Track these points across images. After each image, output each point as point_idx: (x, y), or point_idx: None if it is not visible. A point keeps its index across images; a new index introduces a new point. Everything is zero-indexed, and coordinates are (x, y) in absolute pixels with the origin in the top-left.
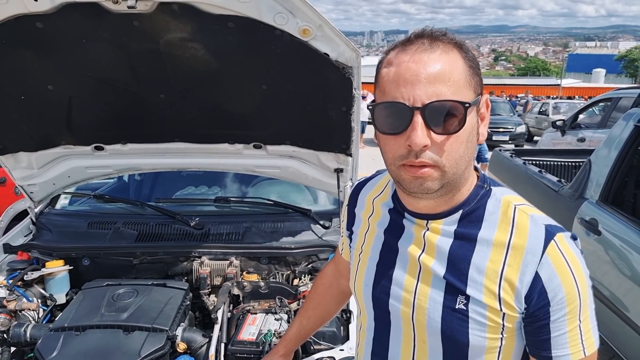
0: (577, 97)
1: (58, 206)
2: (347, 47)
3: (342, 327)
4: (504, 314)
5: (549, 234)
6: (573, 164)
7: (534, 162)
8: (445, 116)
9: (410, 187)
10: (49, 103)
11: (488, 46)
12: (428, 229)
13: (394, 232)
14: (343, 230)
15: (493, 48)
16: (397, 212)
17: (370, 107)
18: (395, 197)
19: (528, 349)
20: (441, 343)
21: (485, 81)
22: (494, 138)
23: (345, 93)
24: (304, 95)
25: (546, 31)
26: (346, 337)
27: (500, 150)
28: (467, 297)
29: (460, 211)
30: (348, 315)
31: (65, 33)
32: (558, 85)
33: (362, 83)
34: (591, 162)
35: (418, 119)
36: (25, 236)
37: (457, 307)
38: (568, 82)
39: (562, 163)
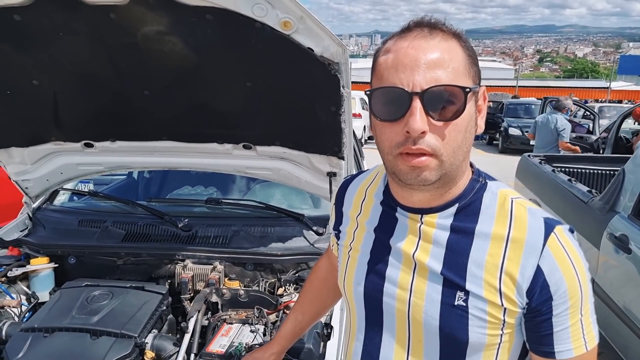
0: (626, 100)
1: (57, 202)
2: (332, 41)
3: (321, 344)
4: (505, 309)
5: (549, 226)
6: (609, 172)
7: (565, 169)
8: (444, 102)
9: (406, 179)
10: (36, 98)
11: (532, 47)
12: (422, 224)
13: (385, 229)
14: (330, 228)
15: (538, 49)
16: (389, 206)
17: (367, 93)
18: (386, 191)
19: (528, 345)
20: (439, 342)
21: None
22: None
23: (333, 92)
24: (290, 93)
25: (596, 31)
26: (323, 355)
27: (529, 155)
28: (467, 293)
29: (456, 205)
30: (329, 330)
31: (43, 26)
32: (607, 88)
33: None
34: (625, 172)
35: (417, 104)
36: (21, 231)
37: (456, 303)
38: (619, 85)
39: (597, 171)
